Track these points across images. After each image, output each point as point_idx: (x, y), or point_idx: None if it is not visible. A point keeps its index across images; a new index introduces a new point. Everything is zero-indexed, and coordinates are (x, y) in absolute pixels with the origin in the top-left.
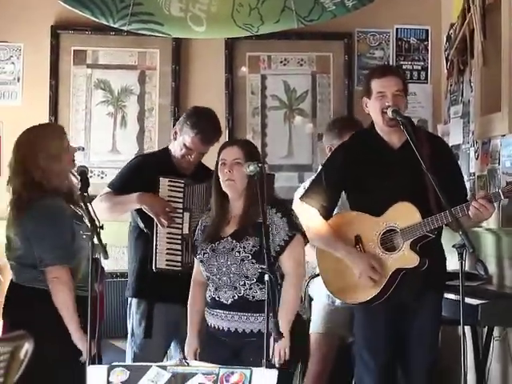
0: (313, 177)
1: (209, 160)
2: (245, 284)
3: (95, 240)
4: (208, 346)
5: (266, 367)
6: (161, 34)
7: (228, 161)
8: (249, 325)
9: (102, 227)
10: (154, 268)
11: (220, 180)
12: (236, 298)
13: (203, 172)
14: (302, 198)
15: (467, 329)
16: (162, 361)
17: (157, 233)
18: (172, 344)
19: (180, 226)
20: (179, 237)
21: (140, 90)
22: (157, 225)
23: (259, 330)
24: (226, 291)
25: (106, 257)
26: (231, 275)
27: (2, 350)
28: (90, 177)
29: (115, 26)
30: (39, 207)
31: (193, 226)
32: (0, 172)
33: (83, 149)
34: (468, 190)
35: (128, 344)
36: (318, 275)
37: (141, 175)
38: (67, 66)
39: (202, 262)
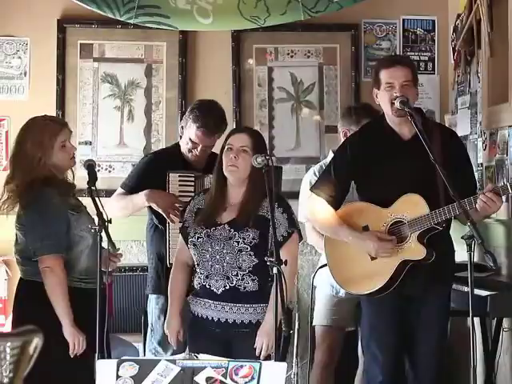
0: (317, 166)
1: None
2: (237, 274)
3: (103, 233)
4: (197, 336)
5: (276, 360)
6: (167, 27)
7: (235, 146)
8: (240, 316)
9: (110, 221)
10: (168, 264)
11: (223, 164)
12: (228, 287)
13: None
14: (311, 188)
15: (476, 320)
16: None
17: (169, 229)
18: None
19: None
20: None
21: (147, 83)
22: (168, 222)
23: (250, 320)
24: (217, 280)
25: (115, 250)
26: (224, 264)
27: (12, 344)
28: (98, 170)
29: (121, 19)
30: (29, 198)
31: None
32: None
33: (90, 143)
34: (477, 182)
35: (148, 339)
36: (325, 265)
37: (152, 173)
38: (74, 59)
39: (194, 245)
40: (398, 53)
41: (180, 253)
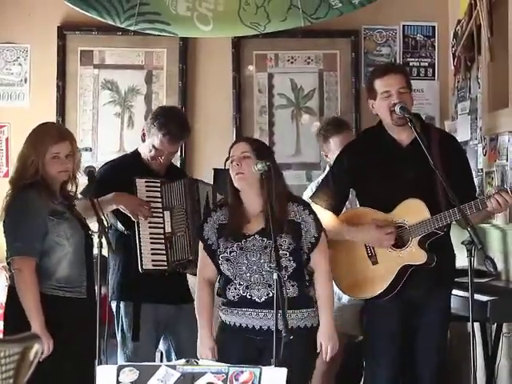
0: (321, 177)
1: (208, 159)
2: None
3: (103, 240)
4: (233, 345)
5: (275, 366)
6: (168, 34)
7: (236, 155)
8: (281, 322)
9: (110, 227)
10: (140, 269)
11: (232, 178)
12: (270, 295)
13: (176, 172)
14: (311, 197)
15: (476, 325)
16: (153, 361)
17: (139, 234)
18: (161, 342)
19: (162, 226)
20: (162, 236)
21: (147, 89)
22: (138, 226)
23: (292, 326)
24: (259, 289)
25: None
26: (264, 273)
27: (12, 351)
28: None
29: (122, 26)
30: (10, 200)
31: (175, 224)
32: (9, 173)
33: (91, 149)
34: (477, 188)
35: (119, 348)
36: None
37: (112, 181)
38: (74, 66)
39: (227, 260)
40: (398, 59)
41: (204, 271)
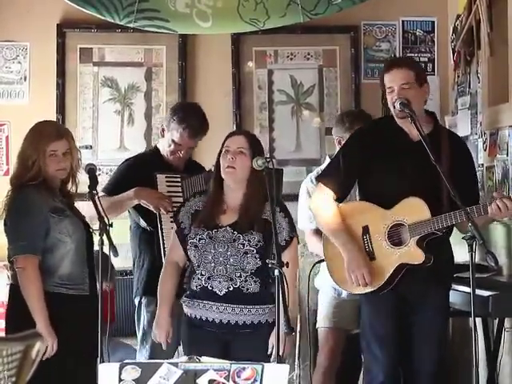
0: (314, 173)
1: (208, 155)
2: (240, 276)
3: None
4: (194, 338)
5: (278, 362)
6: (167, 31)
7: (232, 148)
8: (242, 317)
9: (111, 225)
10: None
11: (221, 167)
12: (231, 289)
13: (195, 167)
14: (318, 177)
15: (478, 320)
16: (172, 357)
17: (162, 229)
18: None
19: None
20: None
21: (147, 87)
22: (160, 221)
23: (252, 321)
24: (220, 281)
25: (116, 255)
26: (227, 266)
27: (14, 349)
28: (99, 174)
29: (121, 23)
30: (10, 199)
31: None
32: (9, 171)
33: (91, 147)
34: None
35: (139, 344)
36: (322, 260)
37: (133, 176)
38: (74, 64)
39: (196, 246)
40: (397, 54)
41: (172, 253)
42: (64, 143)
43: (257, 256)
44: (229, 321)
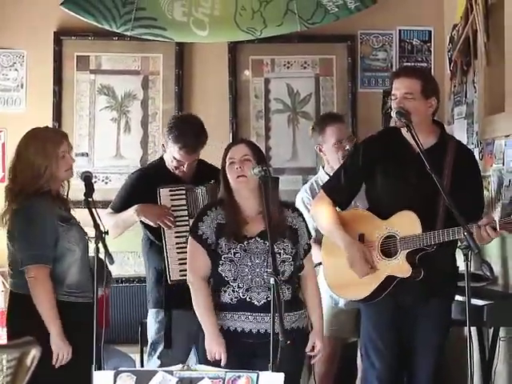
0: (308, 184)
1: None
2: None
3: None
4: (230, 350)
5: (273, 370)
6: (164, 39)
7: (236, 157)
8: (276, 325)
9: (106, 232)
10: (169, 281)
11: (229, 179)
12: (269, 298)
13: (206, 170)
14: (322, 187)
15: (473, 330)
16: None
17: (165, 245)
18: (192, 352)
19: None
20: None
21: (143, 95)
22: (165, 236)
23: (286, 328)
24: (259, 292)
25: (112, 262)
26: (265, 276)
27: (9, 356)
28: (95, 182)
29: (118, 31)
30: (18, 208)
31: None
32: (5, 178)
33: (87, 154)
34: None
35: (148, 353)
36: (319, 264)
37: (142, 190)
38: (70, 71)
39: (231, 261)
40: (394, 63)
41: (200, 269)
42: (67, 143)
43: (292, 263)
44: (266, 330)
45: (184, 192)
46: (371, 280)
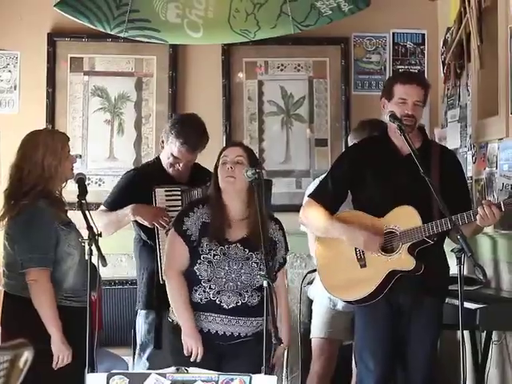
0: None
1: (205, 167)
2: (248, 291)
3: (93, 247)
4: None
5: (265, 373)
6: (157, 41)
7: (230, 158)
8: (244, 328)
9: (100, 235)
10: (160, 280)
11: (219, 178)
12: (239, 303)
13: (201, 173)
14: (309, 195)
15: (466, 333)
16: None
17: (159, 245)
18: None
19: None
20: None
21: (137, 96)
22: (159, 236)
23: (253, 332)
24: (229, 296)
25: (105, 264)
26: (239, 283)
27: (2, 358)
28: (88, 184)
29: (112, 32)
30: (20, 210)
31: None
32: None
33: (80, 156)
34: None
35: (136, 355)
36: (314, 271)
37: (136, 189)
38: (64, 73)
39: (209, 262)
40: (387, 66)
41: (178, 263)
42: (68, 145)
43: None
44: (232, 333)
45: (179, 193)
46: (372, 277)
